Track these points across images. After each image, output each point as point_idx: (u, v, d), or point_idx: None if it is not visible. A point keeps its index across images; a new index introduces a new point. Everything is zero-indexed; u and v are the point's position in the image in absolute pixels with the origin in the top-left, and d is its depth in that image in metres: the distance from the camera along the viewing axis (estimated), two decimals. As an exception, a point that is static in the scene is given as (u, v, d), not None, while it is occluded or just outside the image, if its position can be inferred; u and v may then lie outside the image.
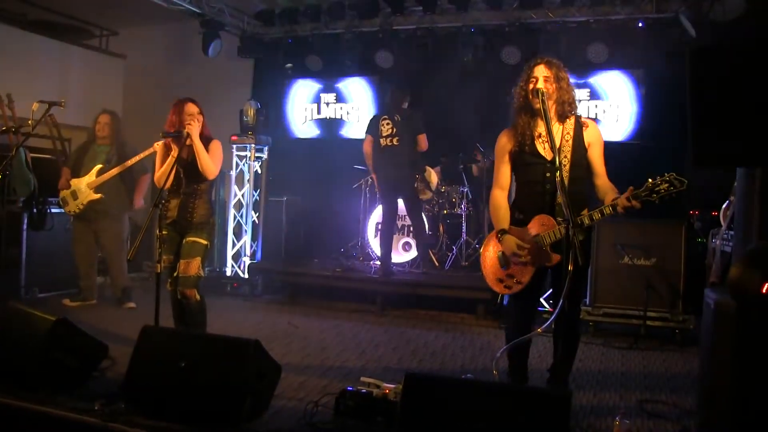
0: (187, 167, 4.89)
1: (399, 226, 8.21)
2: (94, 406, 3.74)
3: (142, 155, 6.13)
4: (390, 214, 7.70)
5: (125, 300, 7.03)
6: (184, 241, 4.90)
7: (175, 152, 4.84)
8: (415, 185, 7.96)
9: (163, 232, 4.68)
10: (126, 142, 7.03)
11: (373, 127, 7.66)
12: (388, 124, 7.57)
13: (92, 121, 7.00)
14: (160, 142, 5.03)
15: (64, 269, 7.28)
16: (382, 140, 7.55)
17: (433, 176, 8.37)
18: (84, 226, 6.87)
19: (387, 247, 7.66)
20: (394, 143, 7.51)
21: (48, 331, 4.11)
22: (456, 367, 5.29)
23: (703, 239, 6.67)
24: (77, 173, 6.75)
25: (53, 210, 7.15)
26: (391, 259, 7.73)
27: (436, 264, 8.07)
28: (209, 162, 4.86)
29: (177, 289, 4.84)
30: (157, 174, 4.95)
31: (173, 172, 4.71)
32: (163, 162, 4.98)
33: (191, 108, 4.91)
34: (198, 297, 4.88)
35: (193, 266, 4.83)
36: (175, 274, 4.88)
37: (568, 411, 3.04)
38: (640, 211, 7.12)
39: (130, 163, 6.38)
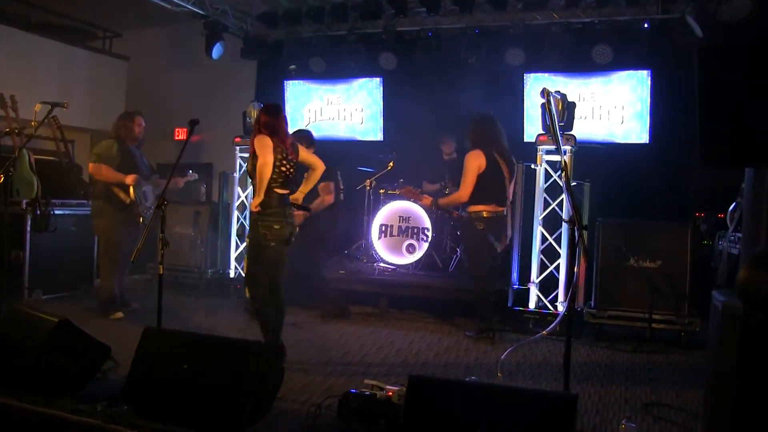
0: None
1: (403, 228, 8.16)
2: (96, 408, 3.72)
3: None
4: None
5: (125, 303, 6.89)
6: None
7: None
8: None
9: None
10: None
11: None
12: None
13: (128, 121, 6.69)
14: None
15: (68, 271, 7.26)
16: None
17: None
18: None
19: None
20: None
21: (50, 333, 4.10)
22: (460, 369, 5.26)
23: (709, 241, 6.62)
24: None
25: (56, 212, 7.11)
26: None
27: (440, 266, 8.03)
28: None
29: None
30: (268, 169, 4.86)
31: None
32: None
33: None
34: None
35: None
36: None
37: (573, 413, 3.01)
38: (645, 213, 7.13)
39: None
